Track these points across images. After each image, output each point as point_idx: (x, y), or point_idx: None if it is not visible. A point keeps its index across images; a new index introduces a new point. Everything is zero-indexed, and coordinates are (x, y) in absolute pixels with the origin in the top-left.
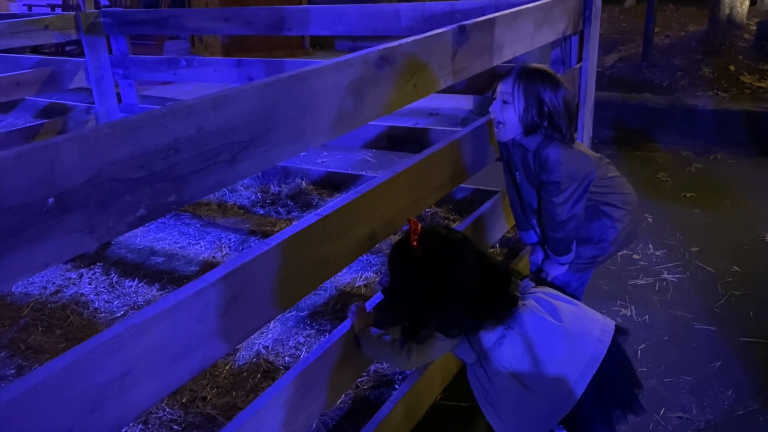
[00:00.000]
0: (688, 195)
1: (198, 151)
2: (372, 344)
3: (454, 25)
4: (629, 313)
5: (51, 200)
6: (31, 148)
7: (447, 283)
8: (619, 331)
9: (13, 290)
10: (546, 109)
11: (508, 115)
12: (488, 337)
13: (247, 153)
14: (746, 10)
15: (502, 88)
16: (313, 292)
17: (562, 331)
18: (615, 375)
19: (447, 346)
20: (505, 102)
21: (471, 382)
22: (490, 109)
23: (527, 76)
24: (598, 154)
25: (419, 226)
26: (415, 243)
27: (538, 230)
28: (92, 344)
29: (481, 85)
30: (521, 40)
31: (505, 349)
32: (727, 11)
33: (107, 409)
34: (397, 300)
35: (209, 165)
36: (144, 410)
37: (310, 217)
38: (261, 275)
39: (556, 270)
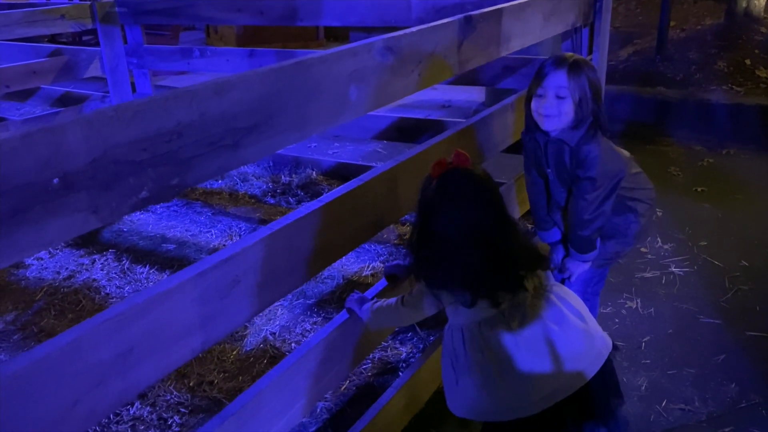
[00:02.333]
0: (699, 189)
1: (200, 136)
2: (373, 315)
3: (461, 16)
4: (635, 306)
5: (56, 180)
6: (37, 129)
7: (441, 227)
8: (614, 347)
9: (27, 275)
10: (597, 98)
11: (566, 108)
12: (482, 313)
13: (250, 139)
14: (764, 3)
15: (555, 82)
16: (320, 281)
17: (561, 338)
18: (602, 392)
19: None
20: (560, 97)
21: (445, 342)
22: (542, 106)
23: (578, 67)
24: (626, 152)
25: (462, 158)
26: (434, 174)
27: (562, 228)
28: (96, 322)
29: (492, 77)
30: (529, 32)
31: (496, 331)
32: (744, 5)
33: (110, 384)
34: (413, 230)
35: (212, 150)
36: (146, 387)
37: (312, 204)
38: (263, 259)
39: (579, 268)
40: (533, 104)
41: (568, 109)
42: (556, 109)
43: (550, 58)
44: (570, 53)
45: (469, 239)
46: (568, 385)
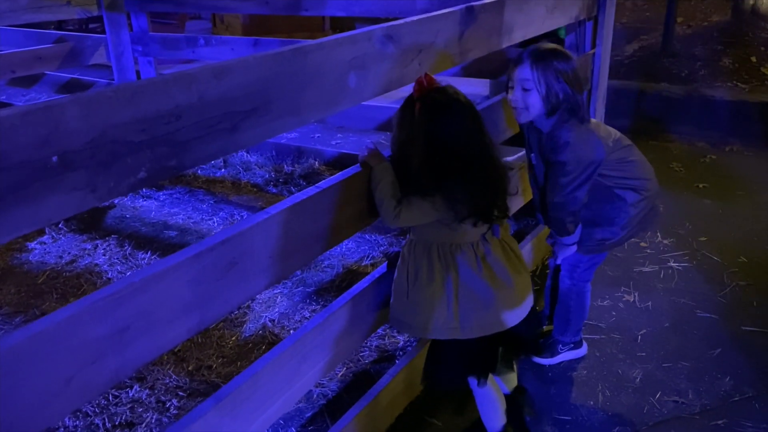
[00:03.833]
0: (700, 186)
1: (199, 119)
2: (381, 180)
3: (462, 6)
4: (632, 299)
5: (55, 158)
6: (36, 107)
7: (430, 138)
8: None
9: (30, 258)
10: (567, 87)
11: (532, 100)
12: (457, 236)
13: (248, 123)
14: None
15: (519, 75)
16: (320, 270)
17: (511, 281)
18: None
19: (429, 211)
20: (525, 89)
21: (404, 255)
22: (510, 98)
23: (542, 58)
24: (617, 136)
25: (433, 82)
26: (416, 94)
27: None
28: (92, 299)
29: (495, 69)
30: (532, 23)
31: (464, 256)
32: (751, 2)
33: (106, 361)
34: (393, 148)
35: (210, 132)
36: (142, 365)
37: (310, 189)
38: (259, 243)
39: (563, 251)
40: (509, 96)
41: (535, 101)
42: (522, 101)
43: (524, 49)
44: (544, 43)
45: (462, 147)
46: (505, 322)
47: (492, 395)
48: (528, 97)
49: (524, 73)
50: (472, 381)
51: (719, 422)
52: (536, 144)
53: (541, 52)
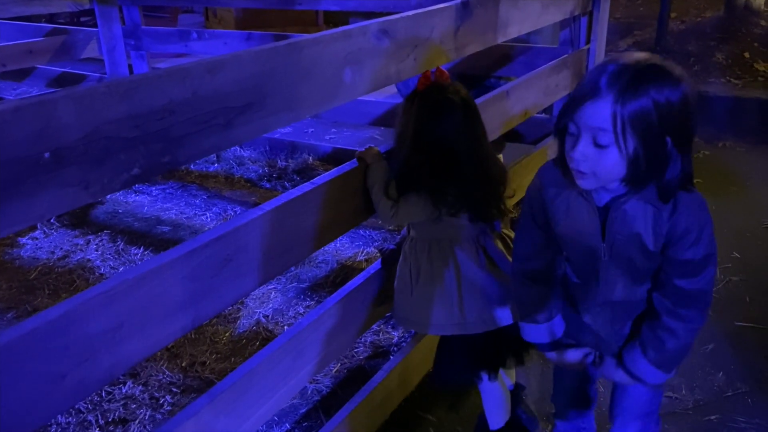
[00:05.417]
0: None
1: (193, 114)
2: (377, 181)
3: (458, 1)
4: None
5: (47, 154)
6: (28, 102)
7: (418, 134)
8: None
9: (22, 254)
10: (678, 138)
11: (607, 163)
12: (455, 231)
13: (242, 118)
14: None
15: (591, 118)
16: (314, 265)
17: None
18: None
19: (424, 207)
20: (599, 145)
21: (405, 254)
22: (572, 155)
23: (641, 84)
24: None
25: (444, 75)
26: (420, 87)
27: (600, 327)
28: (85, 296)
29: (491, 65)
30: (527, 19)
31: (465, 251)
32: None
33: (99, 359)
34: (396, 142)
35: (204, 128)
36: (136, 362)
37: (305, 186)
38: (254, 239)
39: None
40: (566, 145)
41: (612, 164)
42: (592, 162)
43: (601, 64)
44: (638, 54)
45: (451, 145)
46: (510, 316)
47: (500, 391)
48: (602, 157)
49: (598, 114)
50: (484, 376)
51: (712, 417)
52: (620, 227)
53: (639, 72)
